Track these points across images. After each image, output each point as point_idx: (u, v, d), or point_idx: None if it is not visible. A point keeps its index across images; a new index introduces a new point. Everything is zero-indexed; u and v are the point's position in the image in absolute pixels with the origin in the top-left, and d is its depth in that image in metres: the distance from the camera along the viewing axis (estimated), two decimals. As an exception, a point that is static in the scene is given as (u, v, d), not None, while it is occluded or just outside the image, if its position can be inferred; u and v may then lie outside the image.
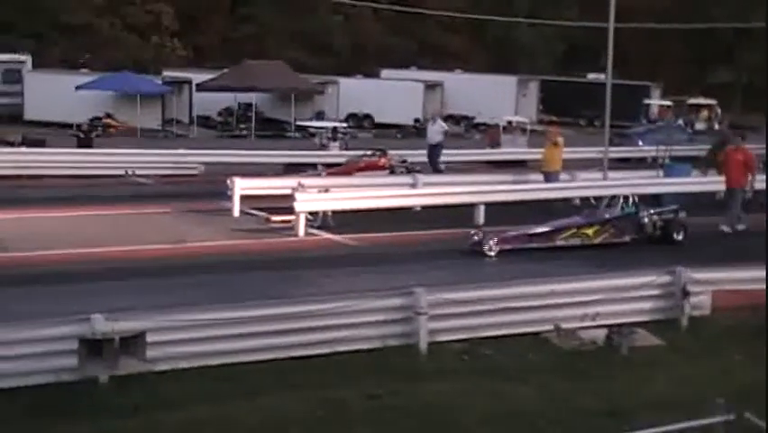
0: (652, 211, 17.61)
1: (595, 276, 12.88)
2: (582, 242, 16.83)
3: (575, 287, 12.28)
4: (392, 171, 23.61)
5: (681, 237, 17.42)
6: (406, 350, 11.07)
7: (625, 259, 15.66)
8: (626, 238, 17.19)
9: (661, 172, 23.46)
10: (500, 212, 18.74)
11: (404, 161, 24.47)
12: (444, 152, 28.45)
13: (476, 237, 16.17)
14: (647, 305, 12.58)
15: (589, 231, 16.94)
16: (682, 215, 17.84)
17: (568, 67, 55.95)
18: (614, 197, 17.66)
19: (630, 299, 12.44)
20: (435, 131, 25.57)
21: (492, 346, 11.33)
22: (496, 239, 16.02)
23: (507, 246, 16.10)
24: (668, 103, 45.77)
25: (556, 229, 16.76)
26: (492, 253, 15.94)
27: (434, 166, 24.68)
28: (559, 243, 16.61)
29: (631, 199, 17.46)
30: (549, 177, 21.40)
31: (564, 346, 11.62)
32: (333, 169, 23.45)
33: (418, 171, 24.00)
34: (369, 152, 24.05)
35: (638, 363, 11.19)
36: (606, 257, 15.93)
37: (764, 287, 12.05)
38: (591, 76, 49.58)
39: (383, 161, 23.61)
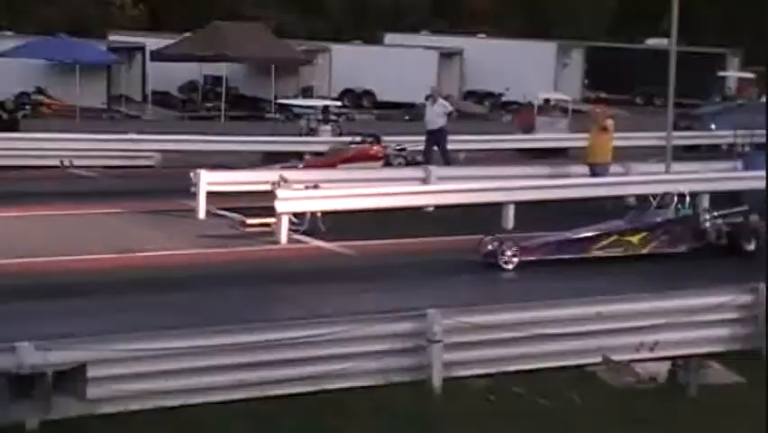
0: (715, 214, 17.62)
1: (654, 295, 12.87)
2: (625, 252, 16.83)
3: (629, 308, 12.28)
4: (388, 162, 23.66)
5: (752, 247, 17.40)
6: (415, 388, 11.07)
7: (683, 274, 15.70)
8: (682, 248, 17.18)
9: (739, 164, 23.46)
10: (534, 213, 18.75)
11: (402, 150, 24.53)
12: (464, 138, 28.56)
13: (490, 246, 16.20)
14: (722, 332, 12.58)
15: (634, 238, 16.94)
16: (755, 218, 17.87)
17: (621, 31, 56.03)
18: (666, 194, 17.66)
19: (700, 325, 12.43)
20: (436, 113, 25.29)
21: (524, 384, 11.34)
22: (515, 248, 16.04)
23: (531, 257, 16.14)
24: (749, 75, 45.81)
25: (592, 236, 16.76)
26: (510, 267, 15.97)
27: (443, 156, 24.59)
28: (596, 253, 16.62)
29: (688, 198, 17.44)
30: (596, 170, 21.43)
31: (616, 384, 11.61)
32: (313, 159, 23.46)
33: (421, 162, 24.11)
34: (357, 139, 24.10)
35: (711, 407, 11.17)
36: (657, 272, 15.96)
37: None
38: (651, 42, 49.67)
39: (375, 149, 23.68)
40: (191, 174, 20.14)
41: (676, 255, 17.03)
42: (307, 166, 22.61)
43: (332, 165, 22.23)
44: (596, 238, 16.77)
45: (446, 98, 43.04)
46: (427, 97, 26.16)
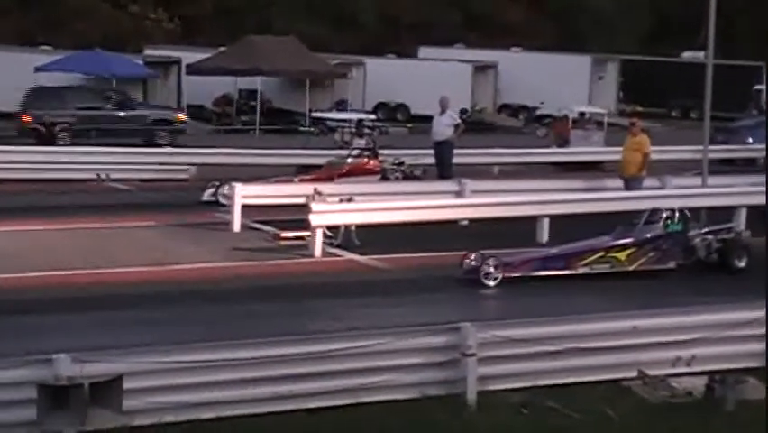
0: (705, 230, 17.39)
1: (690, 310, 12.81)
2: (612, 268, 16.61)
3: (665, 322, 12.23)
4: (385, 177, 23.62)
5: (743, 264, 17.16)
6: (449, 401, 11.06)
7: (675, 292, 15.57)
8: (671, 264, 16.95)
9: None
10: (569, 227, 18.70)
11: (400, 164, 24.47)
12: (499, 151, 28.52)
13: (473, 262, 16.09)
14: (759, 347, 12.47)
15: (622, 255, 16.71)
16: (746, 234, 17.69)
17: (656, 44, 55.80)
18: (655, 210, 17.35)
19: (737, 339, 12.36)
20: (444, 123, 24.76)
21: (559, 398, 11.30)
22: (498, 264, 15.93)
23: (514, 273, 15.99)
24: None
25: (578, 252, 16.59)
26: (492, 283, 15.82)
27: (445, 171, 24.11)
28: (581, 270, 16.43)
29: (677, 214, 17.13)
30: (631, 183, 21.33)
31: (652, 398, 11.56)
32: (310, 173, 23.44)
33: (418, 177, 24.04)
34: (354, 153, 24.13)
35: (749, 422, 11.09)
36: (651, 290, 15.85)
37: None
38: (687, 55, 49.41)
39: (372, 163, 23.64)
40: (225, 186, 20.35)
41: (664, 272, 16.77)
42: (303, 180, 22.45)
43: (329, 179, 22.06)
44: (581, 254, 16.55)
45: (480, 111, 43.02)
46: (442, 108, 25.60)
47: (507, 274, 15.90)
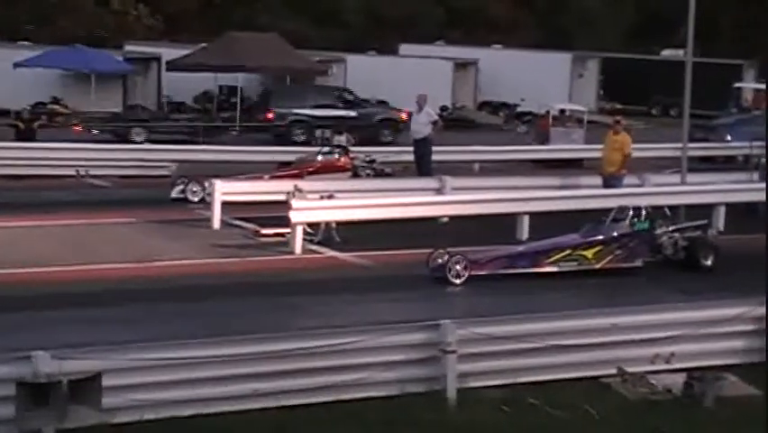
0: (672, 228, 17.42)
1: (670, 307, 12.87)
2: (579, 266, 16.62)
3: (645, 320, 12.27)
4: (356, 174, 23.62)
5: (709, 262, 17.19)
6: (430, 398, 11.08)
7: (643, 289, 15.63)
8: (638, 262, 16.98)
9: (756, 175, 23.39)
10: (550, 224, 18.73)
11: (371, 161, 24.48)
12: (479, 148, 28.53)
13: (439, 260, 16.08)
14: (738, 344, 12.55)
15: (589, 252, 16.71)
16: (713, 232, 17.75)
17: (637, 41, 55.95)
18: (622, 207, 17.36)
19: (716, 337, 12.42)
20: (422, 122, 24.71)
21: (539, 394, 11.33)
22: (464, 262, 15.92)
23: (481, 271, 15.99)
24: (765, 87, 45.58)
25: (545, 250, 16.60)
26: (458, 281, 15.81)
27: (424, 168, 24.09)
28: (548, 268, 16.44)
29: (644, 212, 17.16)
30: (610, 181, 21.38)
31: (631, 395, 11.60)
32: (281, 170, 23.43)
33: (389, 174, 24.03)
34: (325, 150, 24.12)
35: (727, 419, 11.15)
36: (617, 287, 15.92)
37: None
38: (667, 52, 49.57)
39: (343, 160, 23.64)
40: (205, 183, 20.37)
41: (632, 270, 16.78)
42: (274, 177, 22.44)
43: (299, 176, 22.03)
44: (548, 252, 16.55)
45: (461, 108, 43.01)
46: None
47: (473, 272, 15.90)
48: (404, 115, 36.29)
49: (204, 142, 29.80)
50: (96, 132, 32.41)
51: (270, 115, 34.54)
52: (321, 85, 35.72)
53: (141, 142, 30.74)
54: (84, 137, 29.93)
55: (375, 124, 35.58)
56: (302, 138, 33.09)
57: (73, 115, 35.14)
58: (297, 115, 34.49)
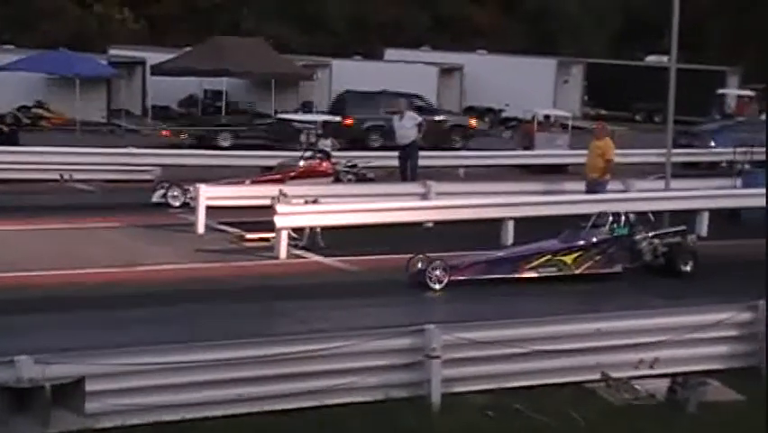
0: (652, 234, 17.44)
1: (654, 312, 12.90)
2: (559, 271, 16.62)
3: (628, 325, 12.30)
4: (338, 179, 23.64)
5: (688, 268, 17.23)
6: (414, 403, 11.07)
7: (623, 294, 15.69)
8: (617, 267, 16.97)
9: (739, 181, 23.48)
10: (534, 230, 18.77)
11: (353, 166, 24.51)
12: (464, 153, 28.57)
13: (419, 264, 16.07)
14: (722, 349, 12.59)
15: (568, 258, 16.71)
16: (692, 238, 17.79)
17: (622, 47, 56.15)
18: (601, 213, 17.36)
19: (699, 342, 12.44)
20: (406, 127, 24.85)
21: (524, 400, 11.33)
22: (444, 268, 15.91)
23: (460, 277, 15.99)
24: (749, 93, 45.86)
25: (524, 256, 16.61)
26: (437, 286, 15.79)
27: (411, 172, 24.17)
28: (527, 273, 16.44)
29: (624, 218, 17.16)
30: (594, 186, 21.43)
31: (615, 400, 11.62)
32: (261, 175, 23.43)
33: (371, 179, 24.08)
34: (307, 155, 24.15)
35: (710, 424, 11.18)
36: (596, 292, 15.96)
37: None
38: (651, 59, 49.78)
39: (325, 165, 23.65)
40: (191, 188, 20.33)
41: (611, 275, 16.78)
42: (255, 182, 22.41)
43: (280, 181, 22.01)
44: (528, 257, 16.55)
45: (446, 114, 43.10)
46: (396, 112, 25.59)
47: (453, 277, 15.89)
48: (473, 122, 38.14)
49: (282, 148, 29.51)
50: (183, 136, 32.90)
51: (349, 121, 34.69)
52: (392, 92, 36.08)
53: (227, 148, 31.59)
54: (68, 141, 29.81)
55: (446, 130, 36.07)
56: (379, 143, 33.58)
57: (162, 121, 36.08)
58: (367, 120, 35.24)
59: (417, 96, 36.82)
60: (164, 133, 33.67)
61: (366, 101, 36.38)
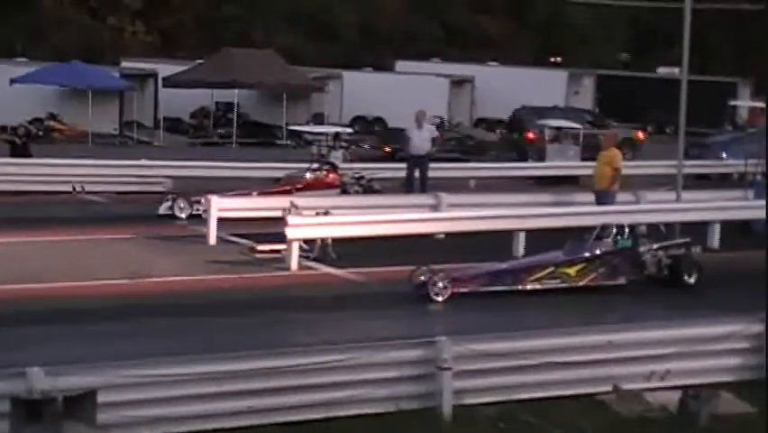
0: (656, 246, 17.33)
1: (665, 324, 12.87)
2: (562, 283, 16.53)
3: (640, 337, 12.28)
4: (344, 190, 23.67)
5: (692, 280, 17.14)
6: (425, 415, 11.06)
7: (628, 306, 15.64)
8: (621, 280, 16.89)
9: (751, 192, 23.44)
10: (546, 241, 18.74)
11: (360, 178, 24.53)
12: (475, 165, 28.58)
13: (422, 277, 16.02)
14: (733, 361, 12.56)
15: (571, 270, 16.63)
16: (696, 250, 17.68)
17: (633, 59, 56.11)
18: (605, 225, 17.30)
19: (711, 354, 12.42)
20: (424, 138, 24.98)
21: (534, 412, 11.32)
22: (447, 280, 15.85)
23: (463, 289, 15.93)
24: (761, 105, 45.73)
25: (527, 268, 16.57)
26: (440, 298, 15.71)
27: (422, 184, 24.22)
28: (530, 285, 16.36)
29: (627, 230, 17.11)
30: (602, 197, 21.38)
31: (626, 413, 11.59)
32: (269, 187, 23.45)
33: (377, 190, 24.08)
34: (314, 166, 24.19)
35: (721, 436, 11.15)
36: (602, 303, 15.90)
37: None
38: (662, 70, 49.73)
39: (332, 177, 23.68)
40: (203, 199, 20.37)
41: (616, 288, 16.71)
42: (261, 193, 22.42)
43: (287, 192, 22.06)
44: (531, 269, 16.49)
45: (457, 125, 43.13)
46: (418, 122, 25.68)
47: (455, 289, 15.84)
48: (640, 135, 38.32)
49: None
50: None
51: (531, 135, 34.66)
52: (565, 107, 36.45)
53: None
54: (80, 152, 29.90)
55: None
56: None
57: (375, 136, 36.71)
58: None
59: (589, 112, 38.24)
60: (386, 149, 33.64)
61: (539, 115, 36.43)
